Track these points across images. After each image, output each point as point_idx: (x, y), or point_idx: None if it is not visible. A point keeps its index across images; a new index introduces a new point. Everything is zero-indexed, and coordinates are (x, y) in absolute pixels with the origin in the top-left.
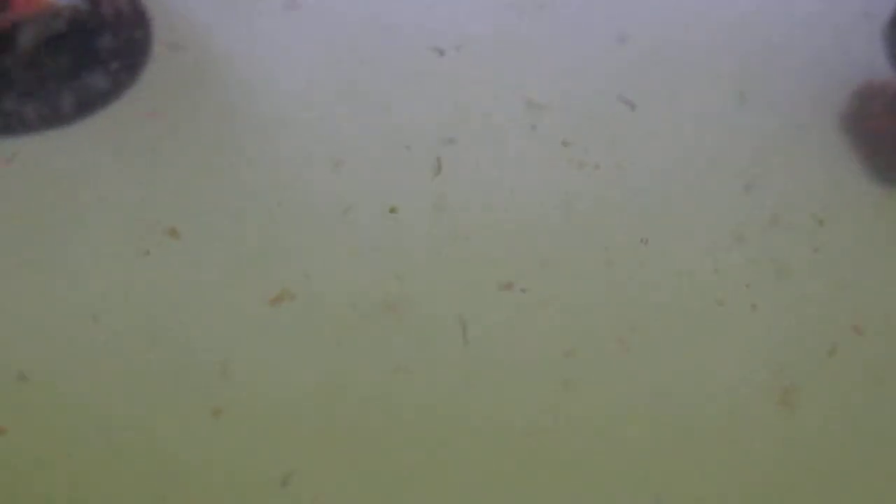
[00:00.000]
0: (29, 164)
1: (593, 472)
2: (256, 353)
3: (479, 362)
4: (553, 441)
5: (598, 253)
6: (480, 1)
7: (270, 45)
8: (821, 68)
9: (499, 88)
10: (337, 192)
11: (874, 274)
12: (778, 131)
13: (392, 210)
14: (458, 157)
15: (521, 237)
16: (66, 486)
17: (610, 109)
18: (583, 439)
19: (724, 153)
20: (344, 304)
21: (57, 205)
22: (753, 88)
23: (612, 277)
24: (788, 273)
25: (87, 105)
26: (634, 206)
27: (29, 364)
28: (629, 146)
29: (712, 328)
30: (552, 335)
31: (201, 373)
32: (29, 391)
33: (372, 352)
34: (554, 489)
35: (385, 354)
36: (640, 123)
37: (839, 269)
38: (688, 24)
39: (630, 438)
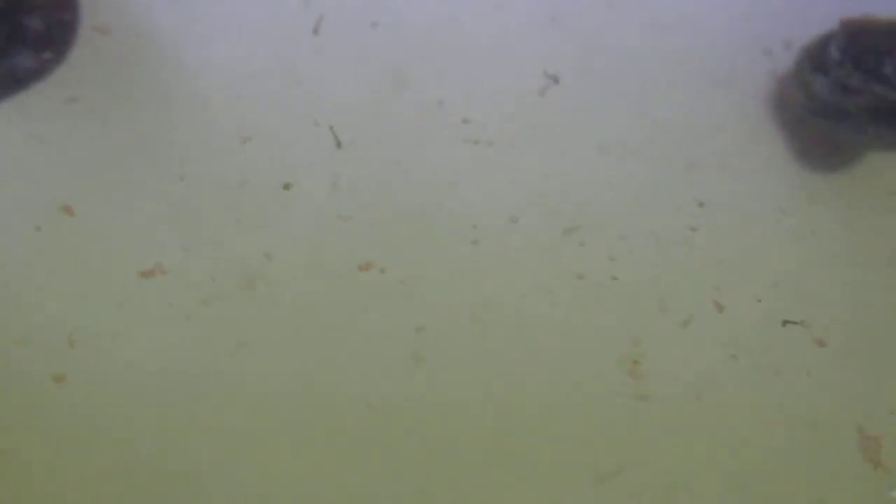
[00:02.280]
0: None
1: (444, 446)
2: (108, 325)
3: (326, 339)
4: (401, 415)
5: (465, 232)
6: None
7: (191, 27)
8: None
9: (413, 67)
10: (238, 167)
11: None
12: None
13: (286, 186)
14: (361, 136)
15: (398, 216)
16: None
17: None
18: (433, 414)
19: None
20: (206, 280)
21: None
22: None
23: (475, 256)
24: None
25: (12, 84)
26: (508, 185)
27: None
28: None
29: (571, 301)
30: (403, 313)
31: (48, 341)
32: None
33: (218, 327)
34: (399, 462)
35: (231, 331)
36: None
37: (712, 246)
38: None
39: (482, 413)
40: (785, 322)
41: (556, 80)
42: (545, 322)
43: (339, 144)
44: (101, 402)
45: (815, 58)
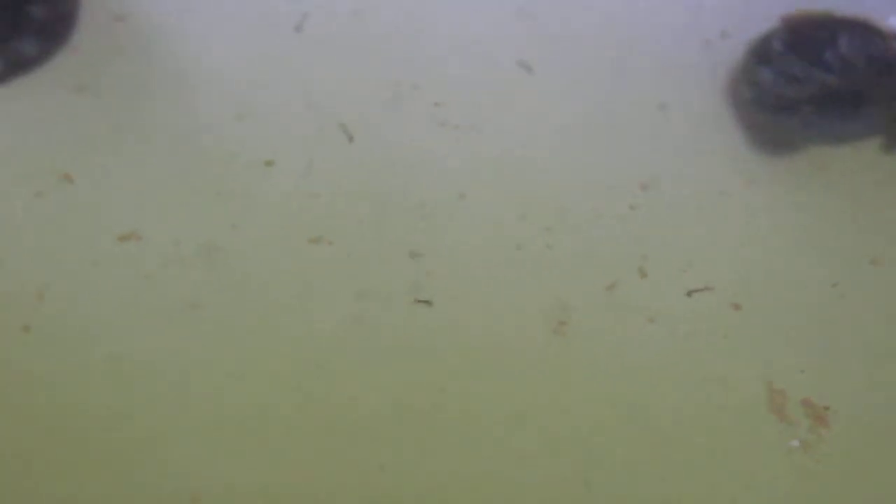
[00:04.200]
0: None
1: (382, 401)
2: (76, 283)
3: (272, 304)
4: (338, 372)
5: (413, 208)
6: None
7: (190, 15)
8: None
9: (398, 55)
10: (228, 143)
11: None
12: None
13: (268, 163)
14: (341, 117)
15: (359, 194)
16: None
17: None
18: (366, 378)
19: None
20: (170, 245)
21: None
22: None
23: (423, 228)
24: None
25: (15, 68)
26: (464, 164)
27: None
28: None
29: (506, 269)
30: (345, 280)
31: (19, 294)
32: None
33: (173, 290)
34: (339, 417)
35: (183, 293)
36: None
37: (648, 222)
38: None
39: (417, 370)
40: (691, 292)
41: (529, 69)
42: (481, 288)
43: (351, 139)
44: (60, 351)
45: (760, 52)
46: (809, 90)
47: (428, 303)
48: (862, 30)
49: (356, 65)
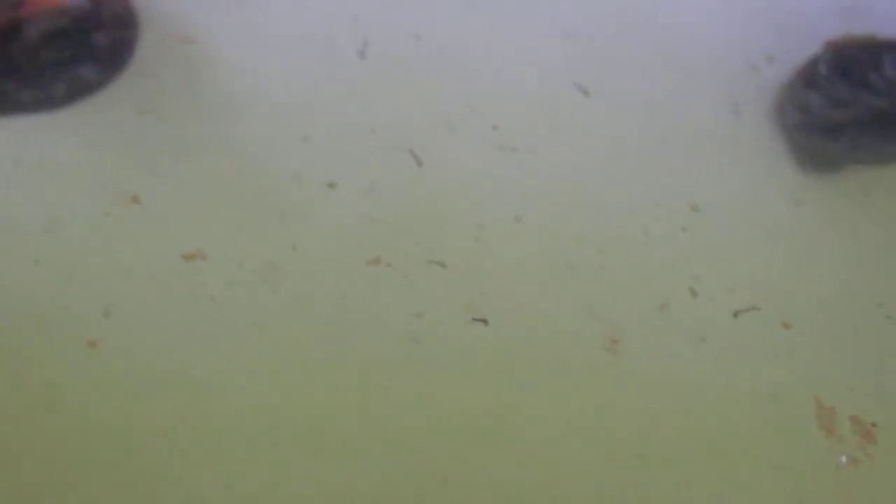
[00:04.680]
0: (21, 137)
1: (438, 423)
2: (142, 300)
3: (331, 324)
4: (396, 390)
5: (469, 229)
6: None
7: (255, 39)
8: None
9: (456, 79)
10: (292, 164)
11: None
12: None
13: (330, 185)
14: (403, 141)
15: (417, 216)
16: None
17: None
18: (424, 394)
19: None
20: (233, 266)
21: (34, 167)
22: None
23: (480, 250)
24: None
25: (77, 93)
26: (520, 187)
27: None
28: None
29: (561, 288)
30: (404, 301)
31: (86, 310)
32: None
33: (234, 310)
34: (392, 434)
35: (245, 313)
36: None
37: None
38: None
39: (473, 388)
40: (740, 311)
41: (586, 92)
42: (536, 308)
43: (420, 163)
44: (124, 367)
45: (806, 77)
46: (856, 112)
47: (484, 321)
48: None
49: (416, 89)
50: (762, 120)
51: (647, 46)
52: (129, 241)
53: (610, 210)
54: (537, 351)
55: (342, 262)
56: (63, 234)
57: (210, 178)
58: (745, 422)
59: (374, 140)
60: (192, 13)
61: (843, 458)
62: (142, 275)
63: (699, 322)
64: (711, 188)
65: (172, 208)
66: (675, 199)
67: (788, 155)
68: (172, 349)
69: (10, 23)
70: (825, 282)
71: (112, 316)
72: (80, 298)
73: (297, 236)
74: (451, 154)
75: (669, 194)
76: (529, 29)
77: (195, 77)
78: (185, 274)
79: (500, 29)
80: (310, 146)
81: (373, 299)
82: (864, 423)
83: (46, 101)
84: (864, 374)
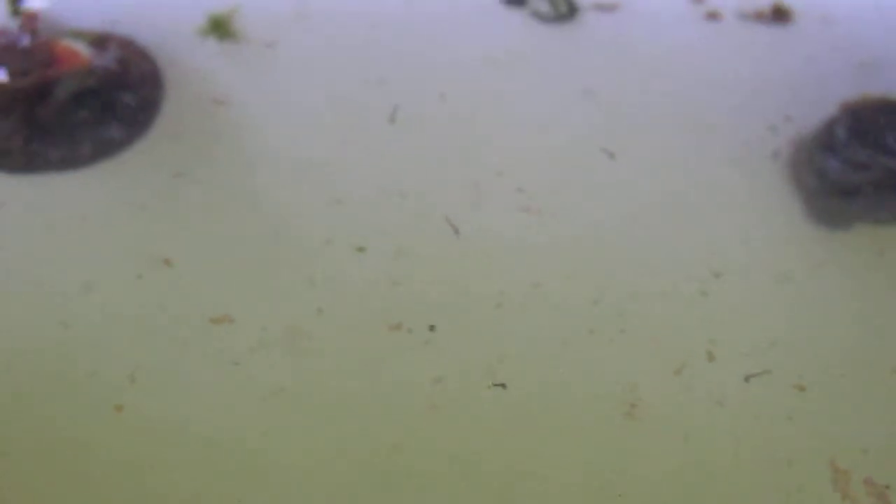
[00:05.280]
0: (50, 195)
1: (456, 489)
2: (167, 364)
3: (352, 389)
4: (416, 457)
5: (491, 297)
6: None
7: (275, 100)
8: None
9: (481, 141)
10: (325, 228)
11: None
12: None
13: (360, 249)
14: (433, 205)
15: (443, 281)
16: None
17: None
18: (443, 459)
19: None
20: (257, 330)
21: (66, 228)
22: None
23: (499, 315)
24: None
25: (103, 152)
26: (536, 250)
27: None
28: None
29: (580, 353)
30: (424, 367)
31: (112, 373)
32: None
33: (257, 375)
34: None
35: (268, 377)
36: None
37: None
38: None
39: (492, 455)
40: (754, 374)
41: (611, 154)
42: (554, 372)
43: (456, 231)
44: (150, 432)
45: (823, 140)
46: (874, 175)
47: (503, 386)
48: None
49: (443, 152)
50: (780, 181)
51: (664, 106)
52: (159, 303)
53: (630, 273)
54: (556, 416)
55: (365, 327)
56: (94, 296)
57: (240, 240)
58: (761, 486)
59: (403, 204)
60: (218, 75)
61: None
62: (168, 338)
63: (716, 385)
64: (731, 251)
65: (204, 271)
66: (695, 263)
67: (806, 216)
68: (195, 413)
69: (39, 83)
70: (840, 343)
71: (137, 380)
72: (107, 362)
73: (323, 300)
74: (476, 219)
75: (690, 258)
76: (550, 87)
77: (222, 138)
78: (210, 338)
79: (520, 86)
80: (341, 210)
81: (393, 364)
82: (878, 486)
83: (73, 160)
84: (877, 437)
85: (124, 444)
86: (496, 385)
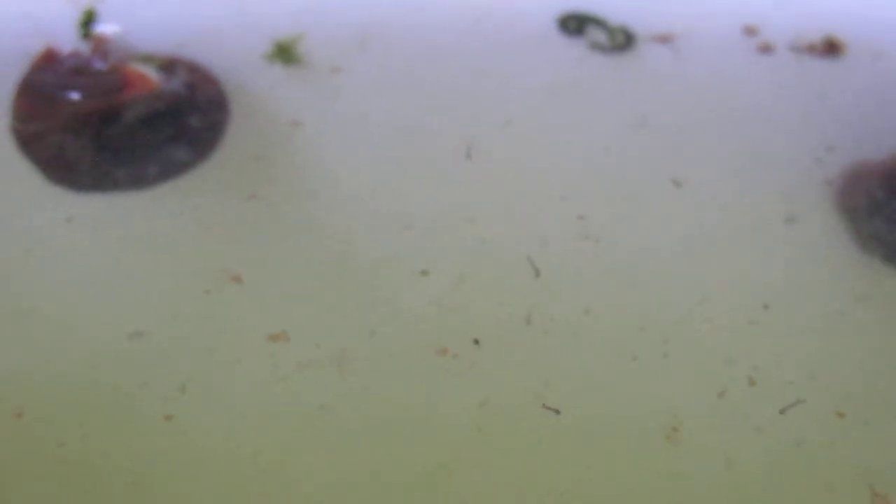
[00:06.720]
0: (119, 213)
1: None
2: (219, 377)
3: (397, 409)
4: (461, 479)
5: (541, 322)
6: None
7: (338, 124)
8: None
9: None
10: (391, 250)
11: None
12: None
13: (423, 273)
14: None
15: (486, 309)
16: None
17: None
18: (488, 481)
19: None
20: (310, 348)
21: (133, 244)
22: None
23: (549, 340)
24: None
25: (169, 173)
26: (589, 277)
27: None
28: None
29: (624, 378)
30: (470, 391)
31: (164, 383)
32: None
33: (305, 391)
34: None
35: (316, 395)
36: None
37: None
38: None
39: (535, 477)
40: (795, 402)
41: (678, 184)
42: (599, 397)
43: (537, 273)
44: (198, 443)
45: (866, 205)
46: None
47: (556, 411)
48: None
49: (509, 178)
50: (828, 214)
51: (716, 136)
52: (222, 318)
53: (679, 301)
54: (599, 438)
55: (413, 350)
56: (159, 310)
57: (307, 260)
58: None
59: (470, 231)
60: (283, 99)
61: None
62: (224, 352)
63: (756, 410)
64: (780, 282)
65: (269, 290)
66: (743, 292)
67: (854, 247)
68: (241, 426)
69: (110, 106)
70: (882, 373)
71: (188, 391)
72: (160, 372)
73: (377, 322)
74: (533, 244)
75: (738, 287)
76: (606, 116)
77: (288, 160)
78: (265, 354)
79: (578, 115)
80: (408, 234)
81: (440, 387)
82: None
83: (139, 180)
84: None
85: (171, 454)
86: (548, 408)
